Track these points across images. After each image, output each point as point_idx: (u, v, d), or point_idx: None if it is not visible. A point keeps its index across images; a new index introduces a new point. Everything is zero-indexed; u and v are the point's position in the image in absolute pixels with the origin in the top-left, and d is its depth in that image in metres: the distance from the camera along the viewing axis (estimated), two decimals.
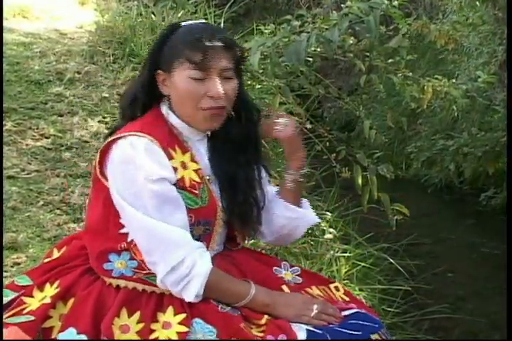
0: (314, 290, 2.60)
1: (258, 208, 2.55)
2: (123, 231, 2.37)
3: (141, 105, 2.45)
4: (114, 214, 2.36)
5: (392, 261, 4.32)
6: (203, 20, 2.53)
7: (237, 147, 2.51)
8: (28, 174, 4.35)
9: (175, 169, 2.38)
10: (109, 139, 2.39)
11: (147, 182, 2.31)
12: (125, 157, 2.34)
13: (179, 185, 2.38)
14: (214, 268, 2.35)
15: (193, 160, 2.44)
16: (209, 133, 2.49)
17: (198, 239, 2.40)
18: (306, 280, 2.63)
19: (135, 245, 2.37)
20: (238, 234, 2.58)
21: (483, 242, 4.32)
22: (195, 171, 2.43)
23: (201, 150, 2.49)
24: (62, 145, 4.60)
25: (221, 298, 2.38)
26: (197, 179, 2.42)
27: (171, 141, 2.42)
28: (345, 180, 4.15)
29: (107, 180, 2.37)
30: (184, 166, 2.42)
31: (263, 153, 2.63)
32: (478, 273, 4.39)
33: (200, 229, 2.43)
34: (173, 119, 2.44)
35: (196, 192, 2.41)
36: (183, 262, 2.31)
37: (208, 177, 2.46)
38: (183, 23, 2.44)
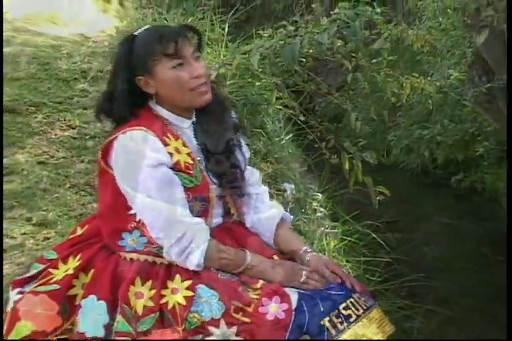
0: None
1: (240, 169, 2.58)
2: (131, 212, 2.38)
3: (128, 108, 2.44)
4: (123, 199, 2.38)
5: (374, 236, 4.31)
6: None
7: (214, 119, 2.54)
8: (56, 160, 4.31)
9: (170, 154, 2.41)
10: (110, 138, 2.41)
11: (148, 169, 2.34)
12: (127, 149, 2.37)
13: (176, 167, 2.41)
14: (212, 240, 2.38)
15: (184, 145, 2.46)
16: (194, 119, 2.52)
17: (197, 215, 2.42)
18: None
19: (143, 224, 2.39)
20: (232, 207, 2.58)
21: (454, 220, 4.30)
22: (188, 154, 2.46)
23: (190, 135, 2.51)
24: (87, 135, 4.58)
25: (220, 266, 2.40)
26: (190, 161, 2.45)
27: (164, 130, 2.44)
28: (333, 165, 4.13)
29: (112, 169, 2.39)
30: (178, 151, 2.43)
31: (238, 120, 2.64)
32: (450, 247, 4.36)
33: (197, 205, 2.45)
34: (163, 112, 2.47)
35: (191, 172, 2.43)
36: (184, 236, 2.34)
37: (198, 159, 2.48)
38: (136, 33, 2.47)
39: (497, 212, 3.76)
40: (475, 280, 4.37)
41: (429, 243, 4.22)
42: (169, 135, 2.45)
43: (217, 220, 2.54)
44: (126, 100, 2.45)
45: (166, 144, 2.42)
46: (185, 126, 2.52)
